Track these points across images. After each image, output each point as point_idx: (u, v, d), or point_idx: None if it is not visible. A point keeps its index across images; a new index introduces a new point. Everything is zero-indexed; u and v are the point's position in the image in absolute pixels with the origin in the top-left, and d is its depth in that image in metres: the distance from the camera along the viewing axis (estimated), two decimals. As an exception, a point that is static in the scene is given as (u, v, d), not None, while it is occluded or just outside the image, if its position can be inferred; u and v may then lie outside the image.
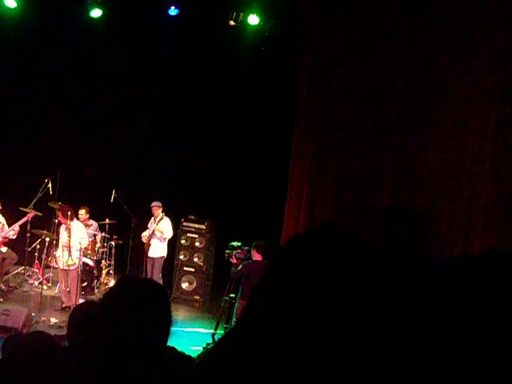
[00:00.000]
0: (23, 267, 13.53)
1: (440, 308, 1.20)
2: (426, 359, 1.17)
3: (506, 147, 6.73)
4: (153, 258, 13.20)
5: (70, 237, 11.67)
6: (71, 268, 11.67)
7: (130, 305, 2.34)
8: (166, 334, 2.39)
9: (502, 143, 6.79)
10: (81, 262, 11.66)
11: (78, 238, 11.58)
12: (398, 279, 1.33)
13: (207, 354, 1.49)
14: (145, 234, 13.34)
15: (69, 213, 11.61)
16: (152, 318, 2.33)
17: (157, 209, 13.26)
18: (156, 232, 13.16)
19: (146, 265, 13.31)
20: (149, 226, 13.46)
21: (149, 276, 12.85)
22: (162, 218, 13.18)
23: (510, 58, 6.82)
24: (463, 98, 7.43)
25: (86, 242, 11.92)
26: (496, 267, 1.20)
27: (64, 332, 3.64)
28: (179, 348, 3.05)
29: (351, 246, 1.40)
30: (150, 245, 13.22)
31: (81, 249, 11.52)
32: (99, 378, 2.23)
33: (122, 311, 2.32)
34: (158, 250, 13.23)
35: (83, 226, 12.42)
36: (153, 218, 13.42)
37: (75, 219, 12.08)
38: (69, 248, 11.66)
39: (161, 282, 12.96)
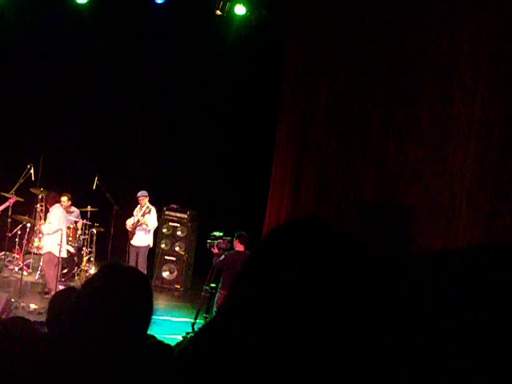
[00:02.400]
0: (4, 253, 13.48)
1: (421, 301, 1.21)
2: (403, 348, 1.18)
3: (488, 148, 6.78)
4: (137, 247, 13.18)
5: (41, 221, 11.83)
6: (41, 252, 12.02)
7: (113, 292, 2.33)
8: (147, 322, 2.39)
9: (484, 143, 6.84)
10: (60, 249, 11.58)
11: (49, 222, 11.66)
12: (383, 271, 1.33)
13: (187, 343, 1.50)
14: (129, 221, 13.30)
15: (47, 199, 11.78)
16: (134, 307, 2.33)
17: (143, 198, 13.19)
18: (142, 224, 13.13)
19: (128, 253, 13.29)
20: (134, 213, 13.41)
21: (132, 264, 12.84)
22: (148, 210, 13.12)
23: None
24: (446, 95, 7.48)
25: (47, 228, 11.77)
26: (477, 263, 1.21)
27: (43, 318, 3.63)
28: (158, 336, 3.05)
29: (335, 236, 1.40)
30: (134, 233, 13.18)
31: (47, 234, 11.66)
32: (79, 364, 2.23)
33: (104, 298, 2.31)
34: (143, 239, 13.19)
35: (59, 212, 12.17)
36: (139, 207, 13.36)
37: (57, 205, 11.97)
38: (40, 231, 12.06)
39: (145, 271, 12.98)
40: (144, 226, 13.08)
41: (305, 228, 1.42)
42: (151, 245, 13.47)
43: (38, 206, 13.00)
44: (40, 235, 12.51)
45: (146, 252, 13.29)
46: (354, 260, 1.35)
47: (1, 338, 2.58)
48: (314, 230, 1.40)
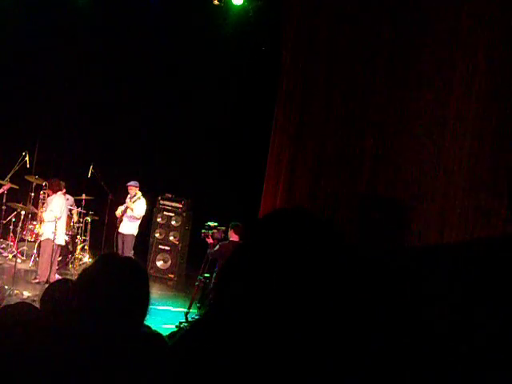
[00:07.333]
0: (-2, 240, 13.48)
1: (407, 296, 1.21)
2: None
3: (483, 140, 6.79)
4: (123, 234, 13.17)
5: (42, 208, 11.96)
6: (41, 239, 11.94)
7: (110, 283, 2.34)
8: (144, 312, 2.40)
9: (480, 136, 6.85)
10: (55, 237, 11.55)
11: (50, 209, 11.63)
12: (371, 264, 1.33)
13: (181, 336, 1.50)
14: (119, 208, 13.29)
15: (52, 185, 11.79)
16: (131, 297, 2.34)
17: (131, 188, 13.15)
18: (128, 210, 13.07)
19: (116, 240, 13.29)
20: (126, 201, 13.40)
21: (120, 251, 12.87)
22: (138, 198, 13.09)
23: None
24: (443, 82, 7.48)
25: (49, 216, 11.71)
26: (470, 260, 1.21)
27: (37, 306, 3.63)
28: (152, 326, 3.06)
29: (323, 228, 1.40)
30: (122, 220, 13.17)
31: (54, 221, 11.54)
32: (78, 351, 2.25)
33: (101, 289, 2.32)
34: (128, 227, 13.16)
35: (61, 200, 12.18)
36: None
37: (59, 193, 11.96)
38: (41, 219, 11.95)
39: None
40: (130, 211, 13.01)
41: (292, 220, 1.42)
42: (135, 234, 13.40)
43: (42, 192, 12.95)
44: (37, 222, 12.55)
45: (132, 241, 13.23)
46: (338, 254, 1.35)
47: (8, 323, 2.59)
48: (302, 222, 1.41)
